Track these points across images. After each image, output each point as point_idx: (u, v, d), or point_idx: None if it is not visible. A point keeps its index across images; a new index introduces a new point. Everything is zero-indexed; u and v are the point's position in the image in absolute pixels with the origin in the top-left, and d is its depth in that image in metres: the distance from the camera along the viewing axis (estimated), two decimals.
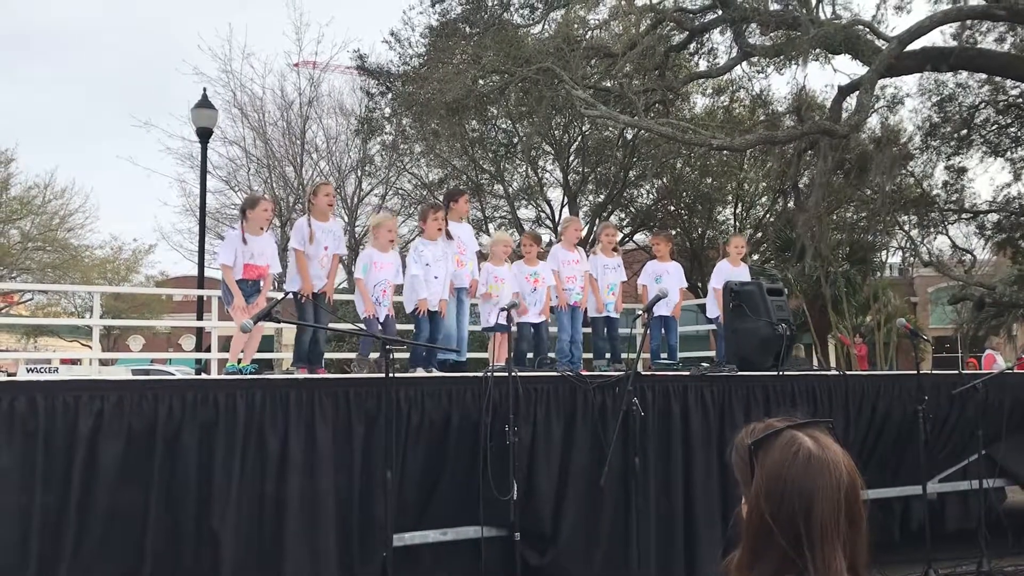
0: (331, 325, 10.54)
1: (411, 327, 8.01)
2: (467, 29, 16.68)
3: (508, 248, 8.53)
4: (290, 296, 7.35)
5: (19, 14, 63.37)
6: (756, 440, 1.76)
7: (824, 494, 1.67)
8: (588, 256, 8.89)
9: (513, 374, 6.03)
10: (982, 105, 19.96)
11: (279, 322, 5.86)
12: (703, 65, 18.03)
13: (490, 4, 16.40)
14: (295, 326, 7.97)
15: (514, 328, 7.93)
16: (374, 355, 7.50)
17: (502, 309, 6.99)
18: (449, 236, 7.91)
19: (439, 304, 7.58)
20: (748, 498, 1.74)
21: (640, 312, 8.39)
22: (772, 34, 15.38)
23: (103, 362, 15.32)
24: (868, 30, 14.94)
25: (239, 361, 6.80)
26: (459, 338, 7.95)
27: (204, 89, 16.17)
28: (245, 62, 39.52)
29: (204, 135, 15.47)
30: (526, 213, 26.13)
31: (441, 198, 21.78)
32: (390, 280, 7.44)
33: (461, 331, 8.01)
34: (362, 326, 7.30)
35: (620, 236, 23.90)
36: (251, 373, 6.49)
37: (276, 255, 7.28)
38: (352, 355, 8.31)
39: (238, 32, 60.02)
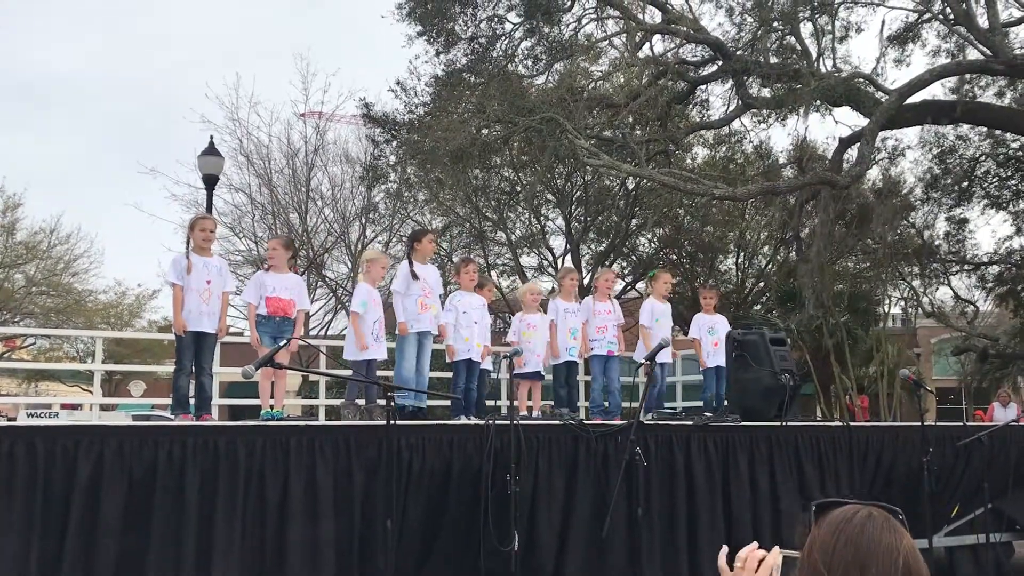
0: (330, 371, 10.52)
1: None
2: (472, 79, 16.86)
3: (537, 296, 8.84)
4: (292, 341, 7.21)
5: (26, 64, 64.29)
6: (820, 503, 1.74)
7: (882, 554, 1.61)
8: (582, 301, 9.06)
9: (515, 423, 6.00)
10: (982, 158, 20.09)
11: (281, 367, 5.86)
12: (704, 116, 18.19)
13: (495, 55, 16.59)
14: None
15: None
16: (360, 401, 7.53)
17: (504, 356, 7.03)
18: (415, 276, 7.76)
19: (481, 352, 8.00)
20: (802, 556, 1.68)
21: (642, 361, 8.36)
22: (773, 86, 15.54)
23: (104, 407, 15.23)
24: (868, 83, 15.11)
25: (272, 407, 6.88)
26: (418, 383, 7.68)
27: (211, 136, 16.35)
28: (252, 111, 39.78)
29: (210, 182, 15.60)
30: (528, 261, 26.23)
31: (456, 255, 21.97)
32: (382, 317, 7.62)
33: (421, 376, 7.75)
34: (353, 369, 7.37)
35: (621, 284, 23.98)
36: (279, 419, 6.52)
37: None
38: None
39: (246, 81, 60.75)
